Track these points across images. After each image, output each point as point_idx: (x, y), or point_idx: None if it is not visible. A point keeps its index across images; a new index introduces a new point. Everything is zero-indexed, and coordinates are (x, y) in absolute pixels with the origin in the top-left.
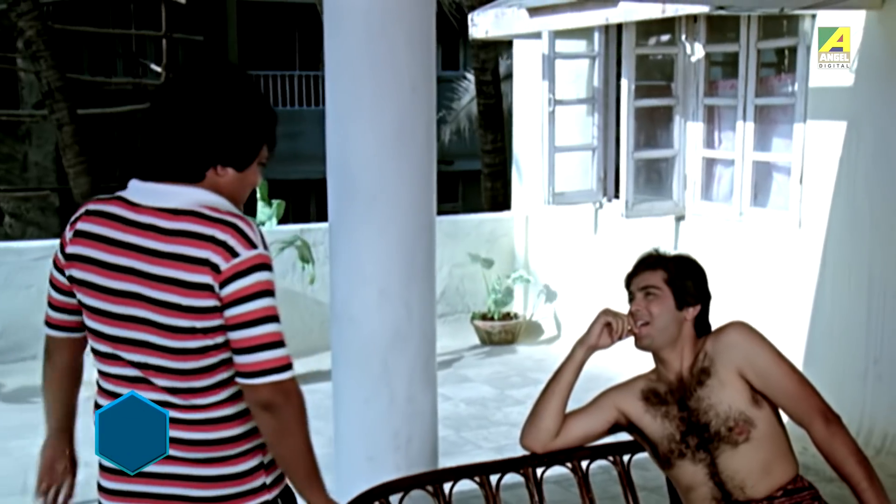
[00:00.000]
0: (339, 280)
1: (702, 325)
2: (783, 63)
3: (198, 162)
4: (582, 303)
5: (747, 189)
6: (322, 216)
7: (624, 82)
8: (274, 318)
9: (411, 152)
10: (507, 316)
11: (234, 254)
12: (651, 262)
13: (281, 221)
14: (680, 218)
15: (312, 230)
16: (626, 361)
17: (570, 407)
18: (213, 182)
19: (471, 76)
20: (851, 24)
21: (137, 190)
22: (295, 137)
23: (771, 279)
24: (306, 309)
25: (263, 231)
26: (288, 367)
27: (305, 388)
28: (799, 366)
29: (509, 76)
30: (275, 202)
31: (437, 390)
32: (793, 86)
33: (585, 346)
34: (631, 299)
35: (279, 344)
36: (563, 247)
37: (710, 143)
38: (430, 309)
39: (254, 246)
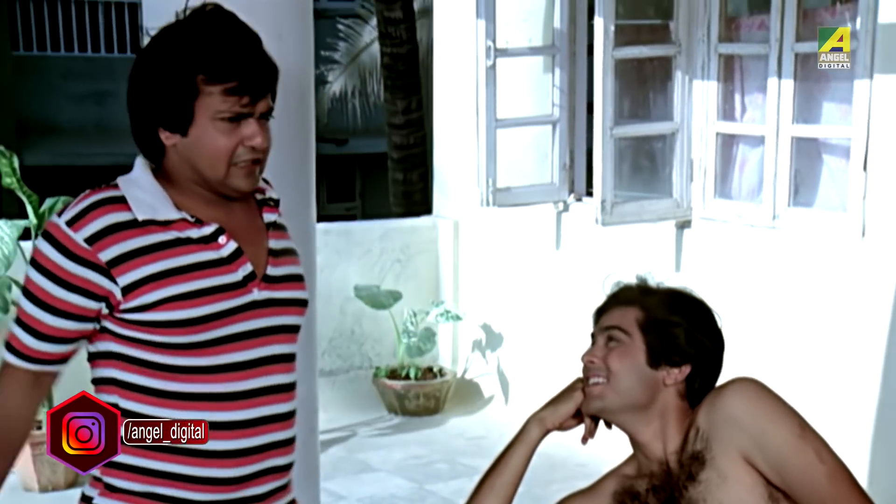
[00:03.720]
0: None
1: (699, 395)
2: None
3: (139, 132)
4: (538, 351)
5: (784, 180)
6: None
7: (599, 22)
8: (25, 292)
9: (276, 128)
10: (427, 372)
11: None
12: (625, 295)
13: None
14: (684, 224)
15: None
16: (606, 440)
17: None
18: (172, 160)
19: (371, 11)
20: None
21: None
22: (101, 101)
23: (820, 315)
24: None
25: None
26: (7, 346)
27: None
28: (863, 450)
29: (428, 12)
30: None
31: (321, 485)
32: (853, 22)
33: (545, 426)
34: (593, 345)
35: (16, 321)
36: (509, 269)
37: (728, 111)
38: (310, 363)
39: (59, 214)
